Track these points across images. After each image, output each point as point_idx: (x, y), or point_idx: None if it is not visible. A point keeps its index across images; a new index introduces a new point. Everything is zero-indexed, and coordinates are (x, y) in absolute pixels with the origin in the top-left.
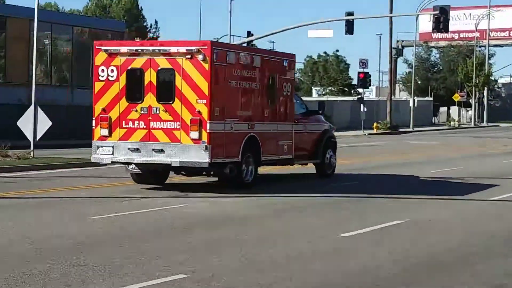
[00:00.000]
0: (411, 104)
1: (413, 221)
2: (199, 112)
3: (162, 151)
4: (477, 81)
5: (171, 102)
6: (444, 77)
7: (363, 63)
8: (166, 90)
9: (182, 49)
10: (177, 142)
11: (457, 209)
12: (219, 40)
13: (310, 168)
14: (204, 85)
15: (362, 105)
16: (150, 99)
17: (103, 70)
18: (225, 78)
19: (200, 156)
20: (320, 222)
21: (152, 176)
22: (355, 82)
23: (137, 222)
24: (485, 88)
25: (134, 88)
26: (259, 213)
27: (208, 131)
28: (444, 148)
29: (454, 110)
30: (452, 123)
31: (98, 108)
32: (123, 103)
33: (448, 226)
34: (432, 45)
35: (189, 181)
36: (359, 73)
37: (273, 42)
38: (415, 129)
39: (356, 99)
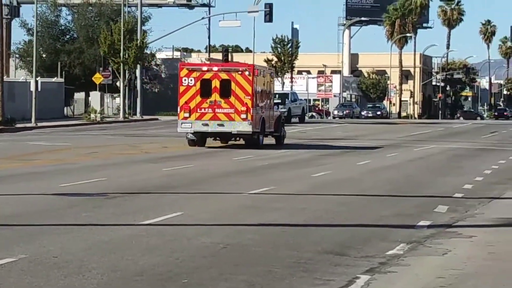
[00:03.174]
0: (32, 88)
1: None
2: (246, 103)
3: (222, 125)
4: (127, 56)
5: (228, 98)
6: (81, 49)
7: None
8: (225, 91)
9: (236, 68)
10: (232, 120)
11: (92, 243)
12: None
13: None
14: (249, 88)
15: None
16: (215, 96)
17: (185, 80)
18: (257, 84)
19: (246, 128)
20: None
21: (200, 141)
22: None
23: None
24: (138, 66)
25: (205, 90)
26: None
27: (251, 114)
28: (78, 151)
29: (95, 97)
30: (92, 115)
31: (182, 101)
32: (198, 98)
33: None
34: (61, 2)
35: (224, 145)
36: None
37: None
38: (40, 124)
39: None
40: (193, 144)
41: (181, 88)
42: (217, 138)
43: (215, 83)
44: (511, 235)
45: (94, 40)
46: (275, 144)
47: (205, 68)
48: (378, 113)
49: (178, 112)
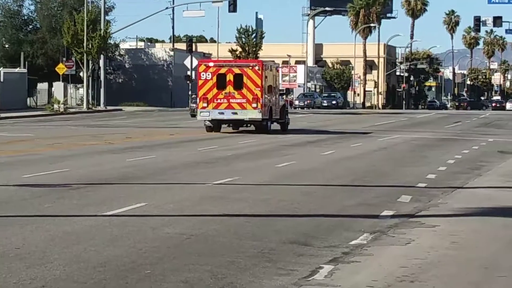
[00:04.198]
0: None
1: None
2: (256, 94)
3: (236, 113)
4: (91, 46)
5: (241, 89)
6: (44, 40)
7: None
8: (238, 84)
9: (248, 64)
10: (244, 109)
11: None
12: None
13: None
14: (259, 81)
15: None
16: (229, 88)
17: (203, 74)
18: (265, 77)
19: (257, 115)
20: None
21: (216, 127)
22: None
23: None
24: (102, 56)
25: (221, 83)
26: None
27: (261, 103)
28: (41, 142)
29: (58, 87)
30: (55, 106)
31: (201, 93)
32: (215, 90)
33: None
34: None
35: (236, 131)
36: None
37: None
38: (3, 114)
39: None
40: (210, 130)
41: (200, 82)
42: (230, 125)
43: (229, 77)
44: (473, 225)
45: (57, 30)
46: (280, 129)
47: (221, 64)
48: (334, 102)
49: (197, 103)
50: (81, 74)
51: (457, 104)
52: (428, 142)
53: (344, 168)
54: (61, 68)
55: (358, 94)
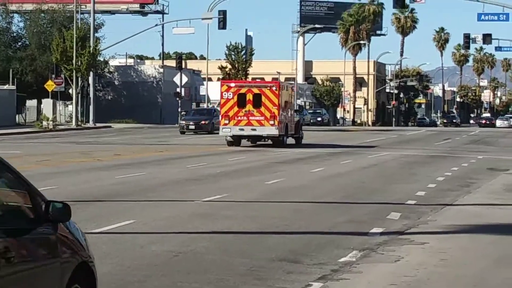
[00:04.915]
0: None
1: None
2: (274, 112)
3: (255, 129)
4: (80, 63)
5: (260, 108)
6: (33, 56)
7: None
8: (257, 102)
9: (266, 85)
10: (262, 126)
11: None
12: None
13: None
14: (276, 100)
15: None
16: (249, 107)
17: (225, 94)
18: (282, 97)
19: (274, 131)
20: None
21: (237, 142)
22: None
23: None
24: (91, 73)
25: (241, 101)
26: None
27: (277, 120)
28: (29, 159)
29: (47, 104)
30: (44, 123)
31: (223, 111)
32: (235, 109)
33: None
34: (13, 8)
35: (254, 145)
36: None
37: None
38: None
39: None
40: (231, 144)
41: (222, 101)
42: (249, 140)
43: (249, 96)
44: (462, 242)
45: (47, 47)
46: (295, 143)
47: (241, 84)
48: (319, 119)
49: (220, 120)
50: (70, 91)
51: (480, 121)
52: (418, 159)
53: (334, 185)
54: (50, 85)
55: (347, 111)
